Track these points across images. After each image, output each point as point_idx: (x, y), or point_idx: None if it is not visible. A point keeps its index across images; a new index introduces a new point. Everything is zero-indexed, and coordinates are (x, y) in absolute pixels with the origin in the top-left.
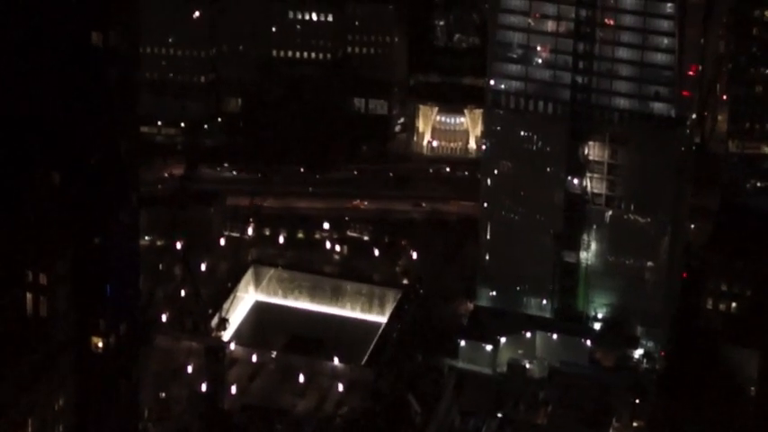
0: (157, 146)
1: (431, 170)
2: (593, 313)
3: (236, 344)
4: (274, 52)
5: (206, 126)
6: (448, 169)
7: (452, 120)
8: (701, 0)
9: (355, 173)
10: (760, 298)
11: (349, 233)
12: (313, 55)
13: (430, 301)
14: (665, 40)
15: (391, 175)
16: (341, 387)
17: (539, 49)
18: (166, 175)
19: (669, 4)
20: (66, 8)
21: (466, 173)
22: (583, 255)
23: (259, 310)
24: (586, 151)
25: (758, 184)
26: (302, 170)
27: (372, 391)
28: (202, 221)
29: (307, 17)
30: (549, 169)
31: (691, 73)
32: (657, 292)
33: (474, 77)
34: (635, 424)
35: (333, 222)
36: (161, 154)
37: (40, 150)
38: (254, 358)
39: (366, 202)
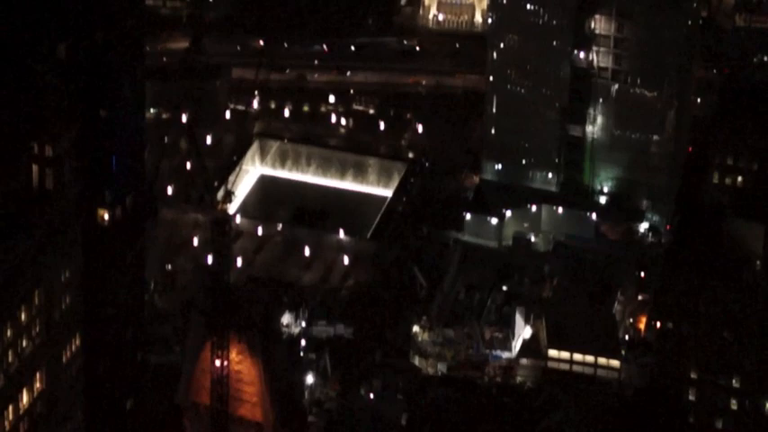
0: (162, 18)
1: (436, 43)
2: (598, 187)
3: (241, 217)
4: None
5: None
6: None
7: None
8: None
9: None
10: (766, 172)
11: (354, 106)
12: None
13: (435, 175)
14: None
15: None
16: (346, 260)
17: None
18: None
19: None
20: None
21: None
22: (588, 128)
23: (264, 183)
24: (593, 25)
25: (765, 59)
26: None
27: (377, 264)
28: (208, 94)
29: None
30: (555, 43)
31: None
32: (663, 165)
33: None
34: (640, 297)
35: (338, 95)
36: (166, 26)
37: (47, 23)
38: (260, 231)
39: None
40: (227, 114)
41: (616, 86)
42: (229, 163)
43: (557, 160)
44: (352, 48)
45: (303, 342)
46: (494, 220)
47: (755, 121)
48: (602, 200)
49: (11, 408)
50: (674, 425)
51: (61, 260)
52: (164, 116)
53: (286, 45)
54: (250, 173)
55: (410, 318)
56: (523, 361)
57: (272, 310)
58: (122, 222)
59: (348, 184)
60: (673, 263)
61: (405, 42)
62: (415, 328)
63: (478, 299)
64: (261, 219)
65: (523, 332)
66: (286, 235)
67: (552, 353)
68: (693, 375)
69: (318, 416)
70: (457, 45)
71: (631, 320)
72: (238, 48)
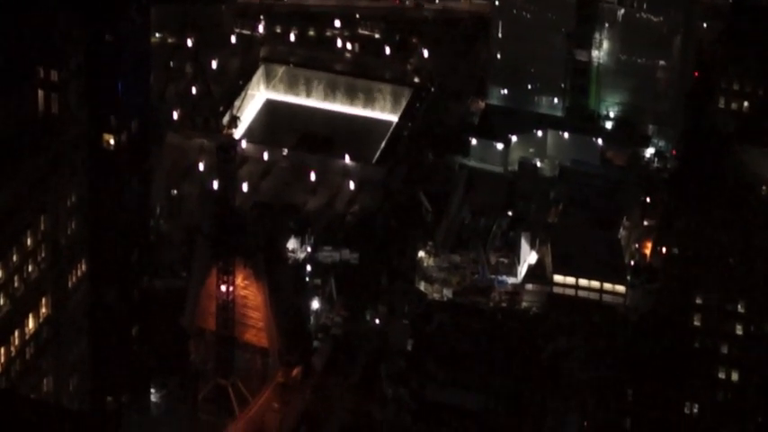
0: None
1: None
2: (604, 112)
3: (247, 141)
4: None
5: None
6: None
7: None
8: None
9: None
10: None
11: (360, 31)
12: None
13: (441, 100)
14: None
15: None
16: (352, 185)
17: None
18: None
19: None
20: None
21: None
22: (595, 53)
23: (270, 107)
24: None
25: None
26: None
27: (383, 190)
28: (213, 18)
29: None
30: None
31: None
32: (669, 90)
33: None
34: (645, 223)
35: (344, 20)
36: None
37: None
38: (266, 156)
39: None
40: (233, 39)
41: (622, 11)
42: (235, 88)
43: (563, 85)
44: None
45: (309, 267)
46: (499, 146)
47: (762, 46)
48: (608, 125)
49: (17, 333)
50: (679, 350)
51: (67, 185)
52: (169, 40)
53: None
54: (256, 98)
55: (416, 243)
56: (529, 286)
57: (278, 235)
58: (128, 147)
59: (354, 109)
60: (678, 188)
61: None
62: (421, 254)
63: (484, 224)
64: (266, 144)
65: (529, 257)
66: (292, 160)
67: (558, 278)
68: (699, 301)
69: (324, 341)
70: None
71: (637, 246)
72: None
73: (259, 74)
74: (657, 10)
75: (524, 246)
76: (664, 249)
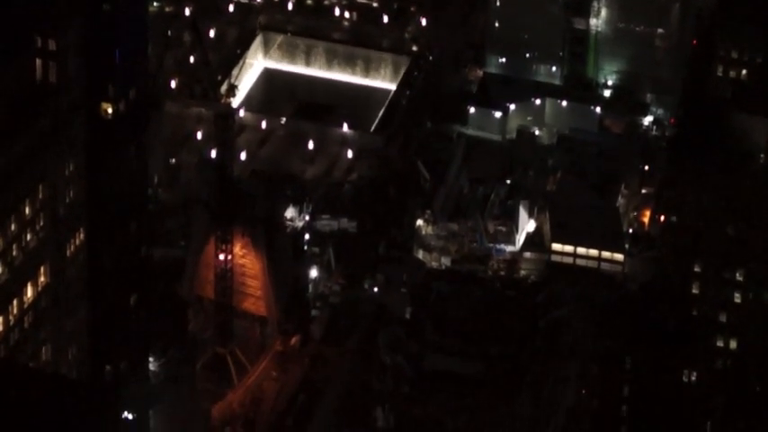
0: None
1: None
2: (602, 80)
3: (245, 110)
4: None
5: None
6: None
7: None
8: None
9: None
10: None
11: None
12: None
13: (439, 68)
14: None
15: None
16: (350, 153)
17: None
18: None
19: None
20: None
21: None
22: (593, 21)
23: (268, 76)
24: None
25: None
26: None
27: (381, 158)
28: None
29: None
30: None
31: None
32: (668, 58)
33: None
34: (643, 190)
35: None
36: None
37: None
38: (264, 125)
39: None
40: (231, 7)
41: None
42: (233, 56)
43: (561, 53)
44: None
45: (307, 236)
46: (498, 114)
47: (760, 14)
48: (606, 93)
49: (15, 302)
50: (678, 318)
51: (65, 155)
52: (167, 9)
53: None
54: (254, 66)
55: (414, 211)
56: (527, 255)
57: (276, 203)
58: (126, 116)
59: (352, 78)
60: (677, 156)
61: None
62: (419, 222)
63: (482, 192)
64: (265, 112)
65: (527, 226)
66: (290, 128)
67: (556, 246)
68: (697, 269)
69: (322, 309)
70: None
71: (635, 214)
72: None
73: (257, 42)
74: None
75: (522, 214)
76: (662, 217)
